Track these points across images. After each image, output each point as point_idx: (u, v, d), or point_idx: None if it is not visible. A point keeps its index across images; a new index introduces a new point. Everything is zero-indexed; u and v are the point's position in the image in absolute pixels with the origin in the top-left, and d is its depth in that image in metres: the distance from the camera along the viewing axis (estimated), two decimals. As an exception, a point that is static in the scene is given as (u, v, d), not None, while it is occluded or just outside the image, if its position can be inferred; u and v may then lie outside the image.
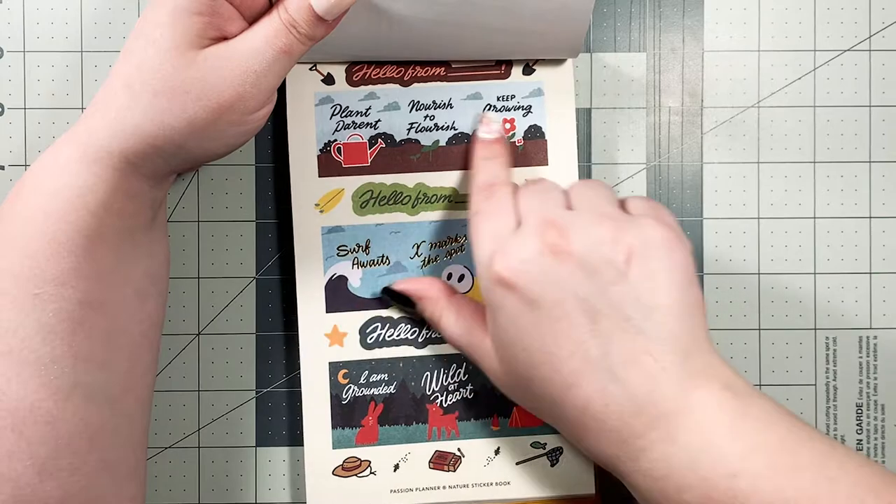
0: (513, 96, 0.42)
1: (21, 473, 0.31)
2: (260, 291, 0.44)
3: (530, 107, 0.42)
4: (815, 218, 0.44)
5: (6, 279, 0.32)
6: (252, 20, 0.35)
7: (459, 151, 0.42)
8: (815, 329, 0.44)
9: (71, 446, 0.32)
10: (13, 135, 0.44)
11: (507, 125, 0.42)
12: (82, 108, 0.44)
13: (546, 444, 0.41)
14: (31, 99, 0.43)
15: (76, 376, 0.32)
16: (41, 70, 0.44)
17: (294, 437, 0.44)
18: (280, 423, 0.44)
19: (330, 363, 0.41)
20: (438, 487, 0.41)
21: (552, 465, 0.41)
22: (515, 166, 0.42)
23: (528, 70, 0.42)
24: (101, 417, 0.33)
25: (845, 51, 0.44)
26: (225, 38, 0.34)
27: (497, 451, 0.42)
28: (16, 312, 0.32)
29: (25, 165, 0.44)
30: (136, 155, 0.34)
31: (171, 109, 0.33)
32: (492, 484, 0.41)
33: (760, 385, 0.44)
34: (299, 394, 0.42)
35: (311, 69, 0.42)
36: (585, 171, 0.44)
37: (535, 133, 0.42)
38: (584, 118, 0.44)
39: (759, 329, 0.44)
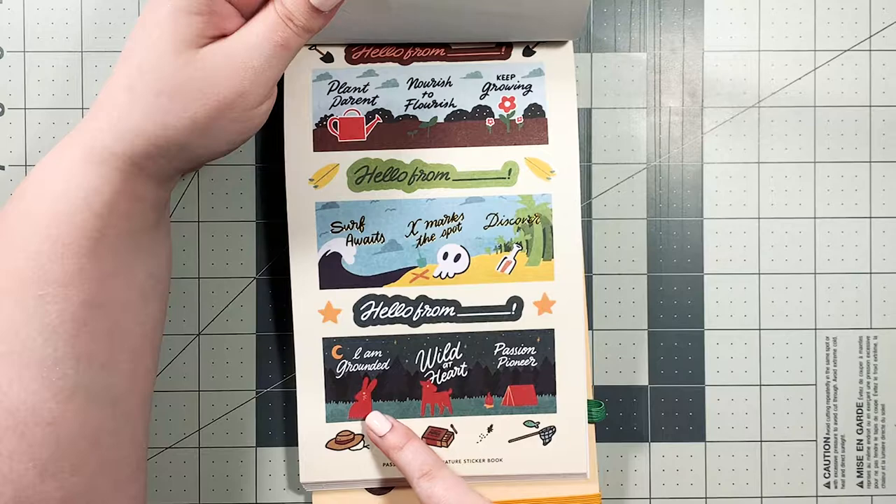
0: (513, 76, 0.42)
1: (22, 474, 0.31)
2: (260, 291, 0.44)
3: (530, 86, 0.42)
4: (815, 218, 0.44)
5: (10, 280, 0.32)
6: (250, 17, 0.35)
7: (458, 128, 0.42)
8: (815, 329, 0.44)
9: (72, 447, 0.32)
10: (13, 135, 0.43)
11: (507, 103, 0.42)
12: (82, 108, 0.44)
13: (539, 423, 0.42)
14: (31, 99, 0.43)
15: (78, 377, 0.32)
16: (41, 70, 0.43)
17: (294, 438, 0.44)
18: (280, 423, 0.44)
19: (324, 339, 0.41)
20: None
21: (544, 444, 0.41)
22: (515, 144, 0.42)
23: (528, 52, 0.42)
24: (103, 418, 0.33)
25: (845, 51, 0.44)
26: (224, 36, 0.34)
27: (490, 429, 0.42)
28: (19, 313, 0.32)
29: (26, 165, 0.44)
30: (139, 156, 0.34)
31: (172, 109, 0.33)
32: (484, 460, 0.42)
33: (761, 385, 0.44)
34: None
35: (310, 48, 0.42)
36: (585, 171, 0.44)
37: (535, 111, 0.42)
38: (585, 118, 0.44)
39: (760, 329, 0.44)
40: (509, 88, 0.42)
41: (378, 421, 0.40)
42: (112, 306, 0.34)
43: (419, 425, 0.41)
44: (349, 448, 0.41)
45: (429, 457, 0.39)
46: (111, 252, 0.34)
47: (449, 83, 0.42)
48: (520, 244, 0.41)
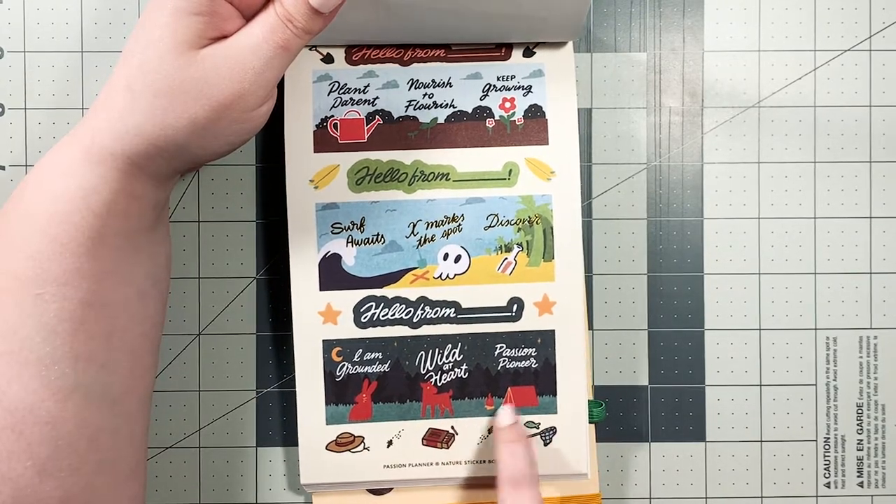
0: (513, 76, 0.42)
1: (21, 474, 0.31)
2: (260, 291, 0.44)
3: (531, 87, 0.42)
4: (815, 218, 0.44)
5: (8, 279, 0.32)
6: (250, 18, 0.35)
7: (458, 129, 0.42)
8: (815, 329, 0.44)
9: (71, 447, 0.32)
10: (13, 135, 0.44)
11: (507, 104, 0.42)
12: (82, 109, 0.44)
13: (540, 423, 0.42)
14: (32, 99, 0.43)
15: (77, 377, 0.32)
16: (41, 70, 0.43)
17: (294, 438, 0.44)
18: (280, 423, 0.44)
19: (324, 341, 0.41)
20: (431, 464, 0.41)
21: (545, 445, 0.41)
22: (516, 145, 0.42)
23: (528, 52, 0.42)
24: (102, 418, 0.33)
25: (845, 51, 0.44)
26: (224, 37, 0.34)
27: (491, 430, 0.42)
28: (17, 312, 0.32)
29: (26, 165, 0.44)
30: (139, 156, 0.34)
31: (172, 110, 0.33)
32: (485, 462, 0.42)
33: (761, 385, 0.44)
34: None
35: (310, 49, 0.42)
36: (586, 171, 0.44)
37: (535, 112, 0.42)
38: (584, 118, 0.44)
39: (760, 329, 0.44)
40: (509, 89, 0.42)
41: (506, 413, 0.41)
42: (111, 306, 0.34)
43: (420, 427, 0.41)
44: (349, 450, 0.41)
45: (526, 467, 0.39)
46: (110, 252, 0.34)
47: (449, 84, 0.42)
48: (520, 245, 0.41)
